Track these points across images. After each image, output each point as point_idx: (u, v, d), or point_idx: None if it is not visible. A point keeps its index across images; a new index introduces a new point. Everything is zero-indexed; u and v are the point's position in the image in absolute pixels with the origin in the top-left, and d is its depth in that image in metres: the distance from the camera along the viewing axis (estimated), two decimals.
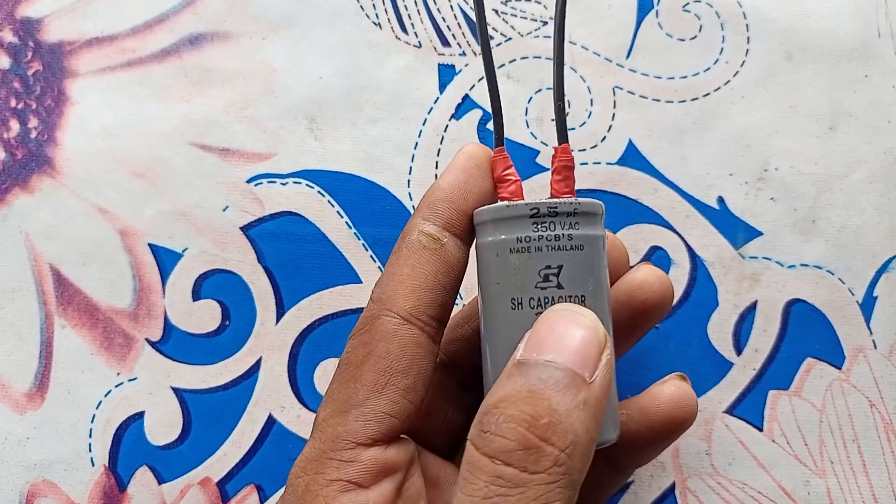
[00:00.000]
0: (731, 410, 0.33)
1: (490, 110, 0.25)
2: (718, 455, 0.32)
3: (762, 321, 0.33)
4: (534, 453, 0.17)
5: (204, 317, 0.33)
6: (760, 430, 0.33)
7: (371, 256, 0.34)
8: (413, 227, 0.23)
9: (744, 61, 0.35)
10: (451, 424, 0.27)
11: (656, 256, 0.34)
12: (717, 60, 0.35)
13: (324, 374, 0.33)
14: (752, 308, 0.33)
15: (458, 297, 0.33)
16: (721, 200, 0.34)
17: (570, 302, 0.21)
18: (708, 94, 0.35)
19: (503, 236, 0.21)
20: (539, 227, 0.21)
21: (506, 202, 0.23)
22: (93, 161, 0.34)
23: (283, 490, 0.21)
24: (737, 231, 0.34)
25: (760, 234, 0.34)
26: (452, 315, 0.28)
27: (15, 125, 0.35)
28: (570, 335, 0.19)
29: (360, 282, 0.33)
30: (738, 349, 0.33)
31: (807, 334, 0.33)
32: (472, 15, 0.35)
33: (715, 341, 0.33)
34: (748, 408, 0.33)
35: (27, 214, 0.34)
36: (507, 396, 0.18)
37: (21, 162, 0.34)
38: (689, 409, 0.26)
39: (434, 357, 0.22)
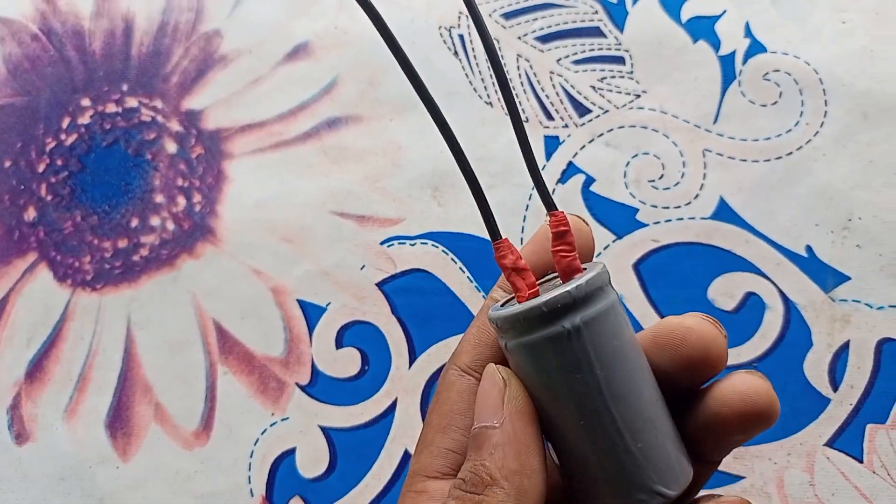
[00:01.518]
0: (831, 443, 0.35)
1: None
2: (822, 486, 0.35)
3: (856, 359, 0.36)
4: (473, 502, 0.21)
5: (346, 363, 0.38)
6: (861, 462, 0.35)
7: None
8: (491, 292, 0.25)
9: (823, 122, 0.39)
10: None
11: (751, 302, 0.37)
12: (797, 122, 0.39)
13: None
14: (845, 347, 0.36)
15: None
16: (809, 249, 0.37)
17: None
18: (791, 153, 0.38)
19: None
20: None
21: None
22: (248, 229, 0.40)
23: None
24: (826, 276, 0.37)
25: (848, 278, 0.37)
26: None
27: (182, 200, 0.41)
28: (480, 395, 0.21)
29: None
30: (835, 386, 0.36)
31: None
32: (573, 93, 0.40)
33: (812, 379, 0.36)
34: (847, 441, 0.35)
35: (193, 276, 0.40)
36: (464, 466, 0.21)
37: (188, 232, 0.40)
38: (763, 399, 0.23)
39: None
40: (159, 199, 0.41)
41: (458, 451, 0.22)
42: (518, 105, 0.21)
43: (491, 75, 0.40)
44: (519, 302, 0.20)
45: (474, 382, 0.23)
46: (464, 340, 0.24)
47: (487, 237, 0.38)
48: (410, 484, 0.22)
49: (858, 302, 0.36)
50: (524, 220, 0.39)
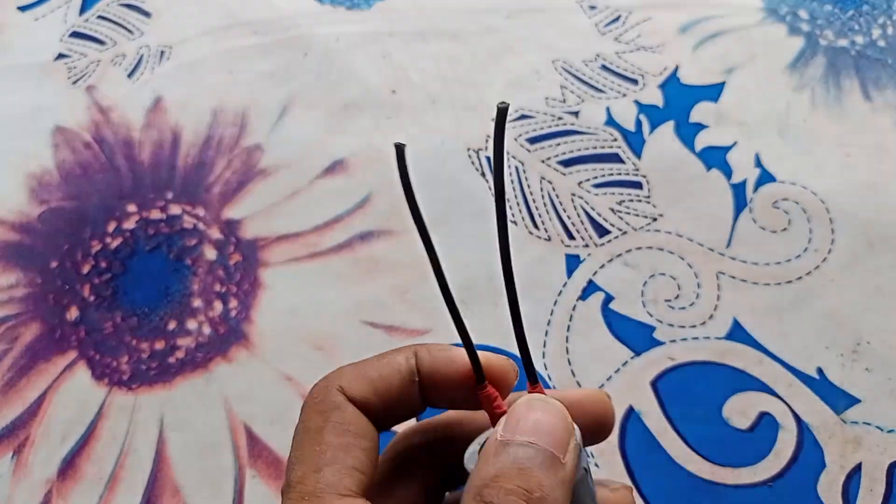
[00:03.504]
0: None
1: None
2: None
3: (868, 482, 0.37)
4: None
5: None
6: None
7: None
8: (421, 351, 0.25)
9: (830, 249, 0.41)
10: None
11: (765, 421, 0.38)
12: (806, 248, 0.41)
13: None
14: (858, 469, 0.37)
15: None
16: (820, 371, 0.39)
17: None
18: (801, 277, 0.40)
19: None
20: None
21: None
22: (281, 336, 0.42)
23: None
24: (837, 398, 0.38)
25: (859, 401, 0.38)
26: (416, 422, 0.28)
27: (218, 306, 0.43)
28: (544, 421, 0.21)
29: None
30: None
31: None
32: (594, 214, 0.42)
33: (826, 500, 0.37)
34: None
35: (226, 380, 0.41)
36: (501, 472, 0.20)
37: (223, 336, 0.42)
38: None
39: (377, 436, 0.23)
40: (197, 303, 0.43)
41: (362, 472, 0.22)
42: (509, 236, 0.23)
43: (514, 195, 0.43)
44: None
45: (360, 414, 0.23)
46: (359, 372, 0.24)
47: (513, 350, 0.40)
48: (318, 503, 0.21)
49: (869, 424, 0.38)
50: (546, 335, 0.40)
